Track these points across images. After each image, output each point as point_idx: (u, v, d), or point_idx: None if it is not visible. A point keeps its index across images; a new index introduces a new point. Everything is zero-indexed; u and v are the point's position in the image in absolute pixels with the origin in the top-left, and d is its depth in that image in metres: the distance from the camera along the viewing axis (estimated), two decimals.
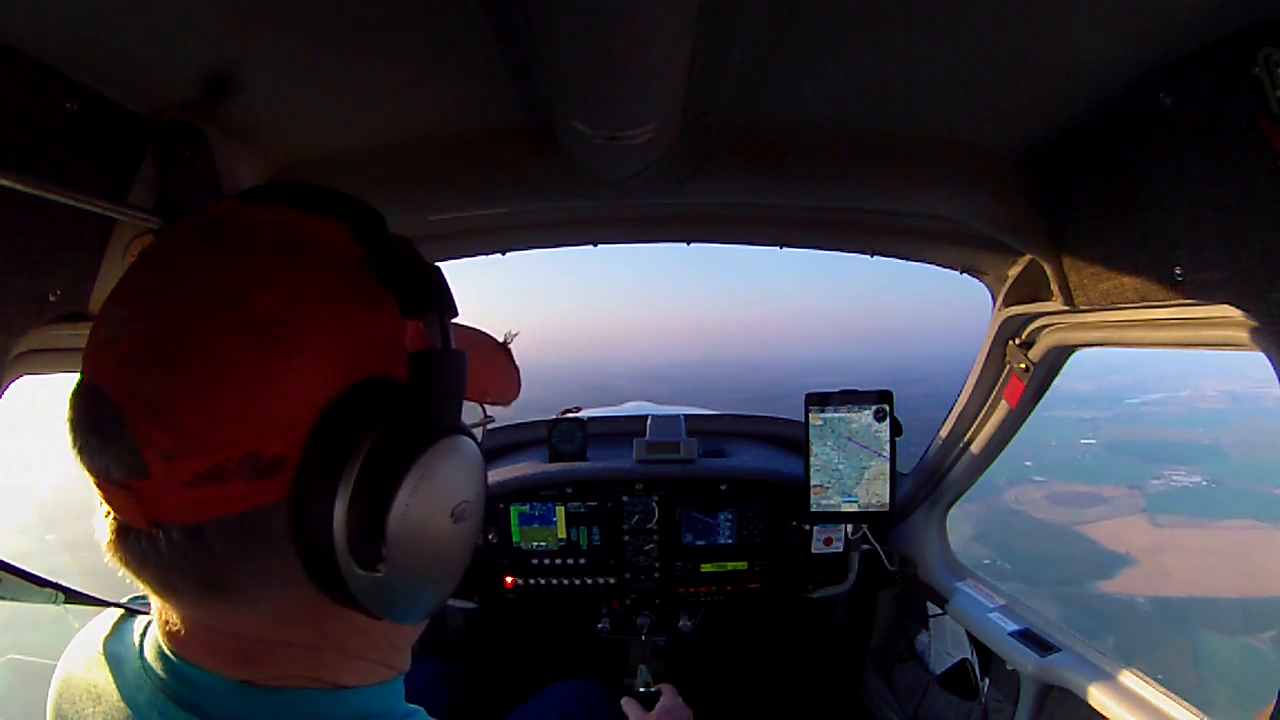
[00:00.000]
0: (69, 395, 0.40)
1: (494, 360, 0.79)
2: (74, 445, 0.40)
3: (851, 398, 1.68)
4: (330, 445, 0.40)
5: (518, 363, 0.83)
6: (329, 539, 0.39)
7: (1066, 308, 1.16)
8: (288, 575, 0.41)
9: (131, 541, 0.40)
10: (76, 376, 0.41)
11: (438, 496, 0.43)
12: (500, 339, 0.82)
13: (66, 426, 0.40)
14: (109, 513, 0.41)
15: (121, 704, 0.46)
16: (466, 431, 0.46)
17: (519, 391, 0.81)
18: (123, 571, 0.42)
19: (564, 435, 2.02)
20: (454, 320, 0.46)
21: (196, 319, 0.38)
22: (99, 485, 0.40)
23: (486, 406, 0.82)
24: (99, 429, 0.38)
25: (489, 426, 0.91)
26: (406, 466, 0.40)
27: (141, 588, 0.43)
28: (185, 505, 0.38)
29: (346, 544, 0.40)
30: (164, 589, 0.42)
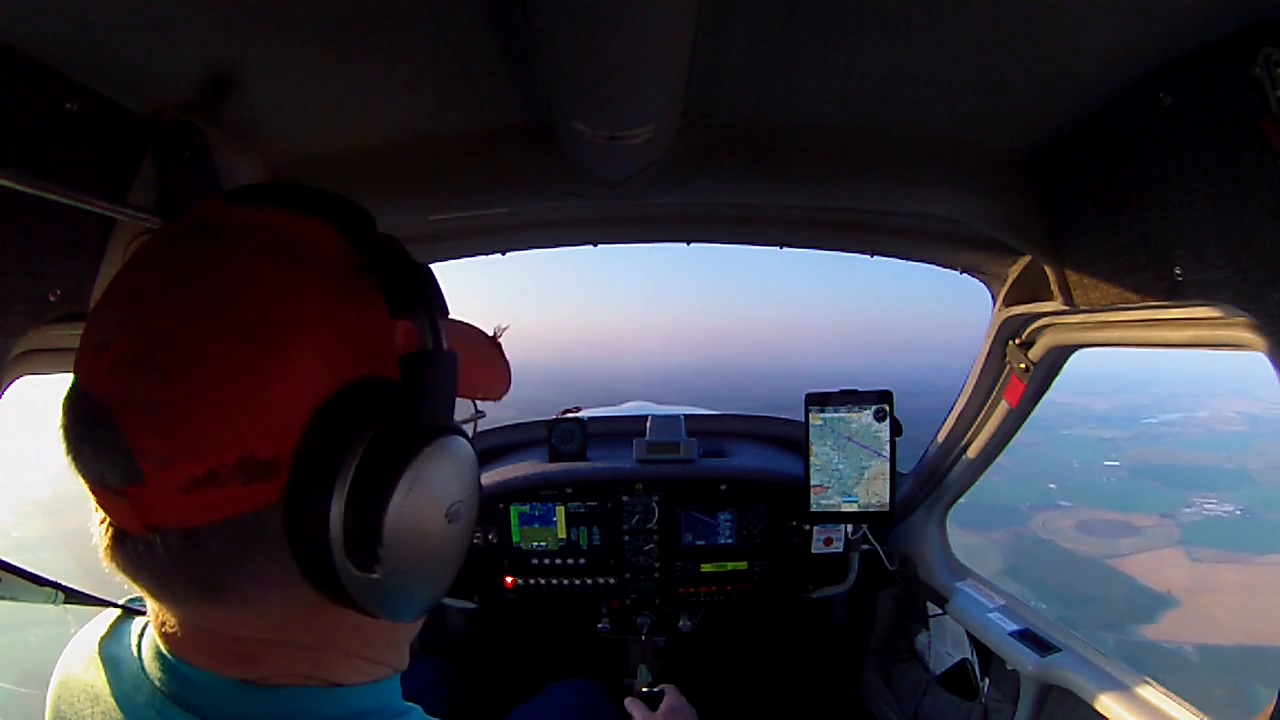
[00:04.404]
0: (62, 402, 0.40)
1: (485, 355, 0.78)
2: (68, 452, 0.40)
3: (851, 398, 1.68)
4: (324, 447, 0.39)
5: (513, 360, 0.83)
6: (325, 541, 0.39)
7: (1066, 308, 1.16)
8: (285, 576, 0.41)
9: (128, 547, 0.40)
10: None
11: (432, 498, 0.43)
12: (490, 333, 0.82)
13: (60, 434, 0.40)
14: (105, 518, 0.41)
15: (119, 704, 0.46)
16: (459, 431, 0.46)
17: (509, 386, 0.81)
18: (120, 577, 0.42)
19: (564, 435, 2.02)
20: (444, 317, 0.46)
21: (185, 322, 0.38)
22: (94, 492, 0.40)
23: (477, 402, 0.81)
24: (93, 436, 0.38)
25: (478, 421, 0.92)
26: (401, 469, 0.40)
27: (139, 591, 0.43)
28: (181, 510, 0.38)
29: (343, 546, 0.40)
30: (162, 593, 0.42)
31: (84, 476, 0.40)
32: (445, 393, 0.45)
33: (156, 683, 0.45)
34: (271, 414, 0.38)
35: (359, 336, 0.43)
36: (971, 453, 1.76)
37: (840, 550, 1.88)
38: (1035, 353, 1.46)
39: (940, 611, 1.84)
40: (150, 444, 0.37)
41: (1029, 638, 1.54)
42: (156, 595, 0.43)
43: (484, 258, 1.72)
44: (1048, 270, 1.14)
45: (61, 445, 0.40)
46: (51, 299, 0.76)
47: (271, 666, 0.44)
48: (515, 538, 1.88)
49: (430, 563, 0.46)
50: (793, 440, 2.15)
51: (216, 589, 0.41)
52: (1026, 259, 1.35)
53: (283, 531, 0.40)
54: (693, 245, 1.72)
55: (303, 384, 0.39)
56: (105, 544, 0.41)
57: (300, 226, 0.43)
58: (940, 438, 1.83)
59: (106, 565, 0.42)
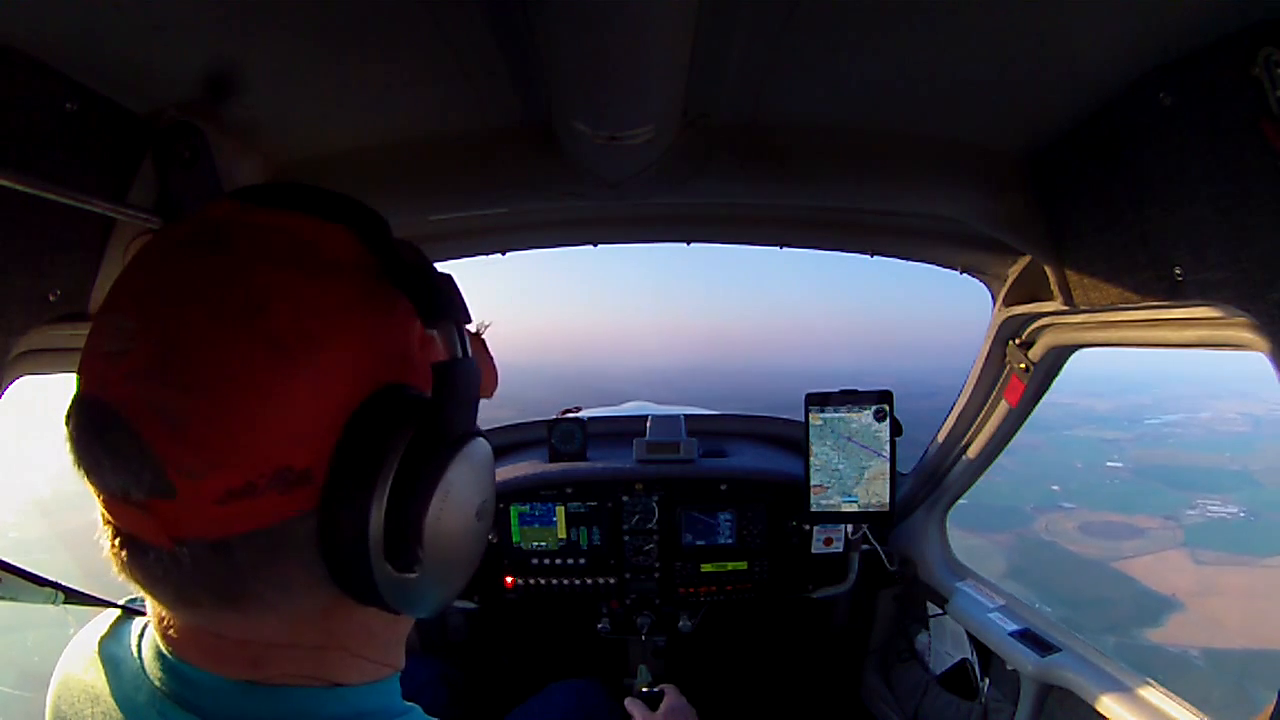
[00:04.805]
0: (68, 409, 0.39)
1: (476, 354, 0.77)
2: (80, 464, 0.39)
3: (851, 398, 1.68)
4: (361, 455, 0.40)
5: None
6: (364, 545, 0.40)
7: (1066, 308, 1.16)
8: (311, 581, 0.41)
9: (150, 559, 0.39)
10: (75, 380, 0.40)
11: (466, 498, 0.45)
12: (473, 330, 0.81)
13: (69, 444, 0.39)
14: (118, 530, 0.40)
15: (119, 704, 0.46)
16: (483, 434, 0.47)
17: (497, 383, 0.81)
18: (134, 588, 0.41)
19: (564, 435, 2.02)
20: (468, 323, 0.46)
21: (213, 333, 0.37)
22: (110, 503, 0.39)
23: None
24: (111, 448, 0.37)
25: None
26: (440, 473, 0.42)
27: (147, 599, 0.43)
28: (214, 521, 0.37)
29: (382, 549, 0.41)
30: (178, 603, 0.42)
31: (100, 488, 0.38)
32: (471, 398, 0.46)
33: (157, 683, 0.45)
34: (304, 424, 0.39)
35: (383, 344, 0.43)
36: (971, 453, 1.77)
37: (840, 550, 1.88)
38: (1035, 353, 1.47)
39: (940, 611, 1.84)
40: (181, 457, 0.36)
41: (1029, 638, 1.54)
42: (172, 605, 0.42)
43: (484, 258, 1.72)
44: (1048, 270, 1.14)
45: (70, 455, 0.39)
46: (51, 299, 0.76)
47: (276, 668, 0.44)
48: (515, 538, 1.88)
49: (463, 559, 0.48)
50: (793, 440, 2.15)
51: (239, 597, 0.40)
52: (1026, 259, 1.35)
53: (314, 537, 0.40)
54: (693, 245, 1.72)
55: (333, 393, 0.40)
56: (120, 556, 0.40)
57: (318, 231, 0.42)
58: (940, 438, 1.83)
59: (120, 577, 0.41)
